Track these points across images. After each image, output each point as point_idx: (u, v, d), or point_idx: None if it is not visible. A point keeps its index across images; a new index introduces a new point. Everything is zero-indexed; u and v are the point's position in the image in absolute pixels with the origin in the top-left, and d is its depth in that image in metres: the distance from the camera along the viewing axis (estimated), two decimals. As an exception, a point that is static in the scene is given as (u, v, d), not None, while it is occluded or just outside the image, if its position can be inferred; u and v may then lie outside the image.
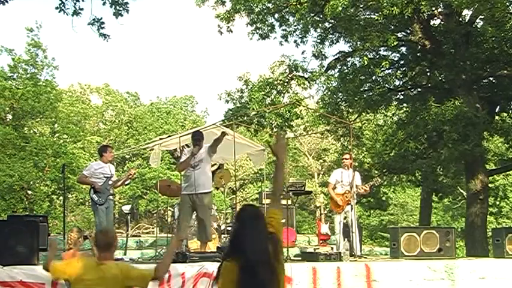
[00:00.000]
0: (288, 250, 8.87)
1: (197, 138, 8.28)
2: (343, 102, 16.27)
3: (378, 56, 15.74)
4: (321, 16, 14.85)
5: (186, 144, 8.77)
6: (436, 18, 15.47)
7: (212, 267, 6.74)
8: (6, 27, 57.46)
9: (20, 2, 19.39)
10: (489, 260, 9.11)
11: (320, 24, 15.57)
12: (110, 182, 8.49)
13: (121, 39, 64.40)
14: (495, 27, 13.49)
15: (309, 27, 15.47)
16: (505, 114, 16.63)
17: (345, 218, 9.05)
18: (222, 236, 9.23)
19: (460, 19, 15.21)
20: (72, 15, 8.48)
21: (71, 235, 7.00)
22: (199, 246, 8.13)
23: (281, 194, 3.73)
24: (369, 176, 14.75)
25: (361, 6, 14.29)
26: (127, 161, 35.21)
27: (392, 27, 15.06)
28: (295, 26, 15.88)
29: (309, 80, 15.82)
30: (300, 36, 15.92)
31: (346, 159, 9.36)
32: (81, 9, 8.51)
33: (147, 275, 4.09)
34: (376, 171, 17.08)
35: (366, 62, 14.21)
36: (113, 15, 8.78)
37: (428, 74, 16.41)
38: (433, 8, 14.21)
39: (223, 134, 8.46)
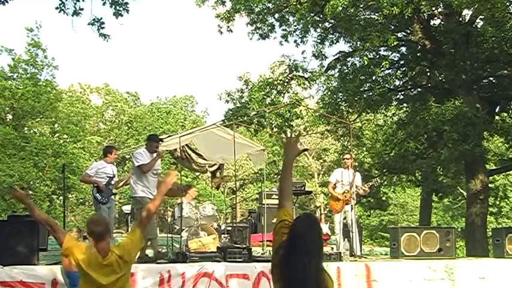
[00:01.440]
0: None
1: (158, 141, 8.18)
2: (343, 102, 16.27)
3: (378, 56, 15.74)
4: (321, 16, 14.85)
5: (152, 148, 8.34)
6: (436, 18, 15.48)
7: (212, 267, 6.74)
8: (6, 27, 57.53)
9: (20, 2, 19.42)
10: (489, 260, 9.11)
11: (320, 24, 15.58)
12: (112, 182, 8.54)
13: (121, 39, 64.46)
14: (495, 27, 13.49)
15: (309, 27, 15.47)
16: (505, 114, 16.63)
17: (345, 218, 9.05)
18: (222, 236, 9.23)
19: (460, 19, 15.21)
20: (72, 15, 8.49)
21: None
22: (153, 245, 8.05)
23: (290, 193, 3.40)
24: (369, 176, 14.75)
25: (361, 6, 14.29)
26: (127, 161, 35.21)
27: (392, 27, 15.05)
28: (295, 26, 15.89)
29: (309, 80, 15.82)
30: (300, 36, 15.94)
31: (346, 159, 9.37)
32: (81, 9, 8.52)
33: (134, 231, 4.20)
34: (376, 171, 17.08)
35: (366, 62, 14.22)
36: (113, 15, 8.78)
37: (428, 74, 16.41)
38: (433, 8, 14.21)
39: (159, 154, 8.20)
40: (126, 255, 4.00)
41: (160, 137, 8.77)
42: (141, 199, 7.86)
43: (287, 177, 3.28)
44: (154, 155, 8.04)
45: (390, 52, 16.56)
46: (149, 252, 7.90)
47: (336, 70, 16.56)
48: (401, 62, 17.13)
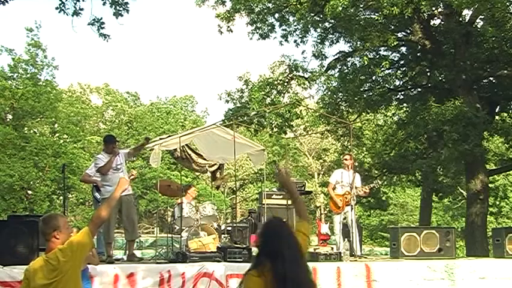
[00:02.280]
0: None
1: (113, 141, 8.14)
2: (343, 102, 16.28)
3: (378, 56, 15.76)
4: (321, 16, 14.85)
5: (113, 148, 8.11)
6: (436, 18, 15.48)
7: (212, 267, 6.74)
8: (6, 27, 57.53)
9: (20, 2, 19.40)
10: (489, 260, 9.10)
11: (320, 24, 15.58)
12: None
13: (121, 39, 64.46)
14: (495, 27, 13.49)
15: (309, 27, 15.48)
16: (505, 114, 16.64)
17: (345, 218, 9.04)
18: (222, 236, 9.22)
19: (460, 19, 15.21)
20: (72, 15, 8.48)
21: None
22: (129, 246, 8.01)
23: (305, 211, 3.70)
24: (369, 176, 14.76)
25: (361, 6, 14.29)
26: (127, 161, 35.20)
27: (393, 27, 15.06)
28: (295, 26, 15.90)
29: (309, 80, 15.82)
30: (300, 36, 15.95)
31: (346, 160, 9.34)
32: (81, 9, 8.51)
33: (84, 229, 3.91)
34: (376, 171, 17.09)
35: (366, 62, 14.22)
36: (113, 15, 8.77)
37: (428, 74, 16.42)
38: (433, 8, 14.21)
39: (147, 139, 8.28)
40: (68, 252, 3.74)
41: (160, 137, 8.77)
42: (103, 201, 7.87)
43: (297, 202, 3.70)
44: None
45: (390, 52, 16.57)
46: (138, 252, 7.90)
47: (336, 70, 16.57)
48: (401, 62, 17.14)
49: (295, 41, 16.10)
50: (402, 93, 17.52)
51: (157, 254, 8.71)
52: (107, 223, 7.76)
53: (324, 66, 16.23)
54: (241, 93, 16.32)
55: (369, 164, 18.26)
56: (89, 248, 3.95)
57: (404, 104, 17.71)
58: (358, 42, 14.68)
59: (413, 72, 16.87)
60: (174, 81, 68.11)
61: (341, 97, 16.08)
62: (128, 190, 7.84)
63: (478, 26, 15.17)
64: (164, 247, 9.03)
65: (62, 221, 3.99)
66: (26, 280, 3.86)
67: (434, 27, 15.77)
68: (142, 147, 8.51)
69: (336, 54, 16.59)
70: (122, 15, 8.76)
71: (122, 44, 68.14)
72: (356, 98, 15.65)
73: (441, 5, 14.40)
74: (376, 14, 13.86)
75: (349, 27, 14.02)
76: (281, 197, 11.72)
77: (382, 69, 15.48)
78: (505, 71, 14.63)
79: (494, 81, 16.20)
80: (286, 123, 15.65)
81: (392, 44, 13.86)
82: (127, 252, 8.09)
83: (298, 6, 14.59)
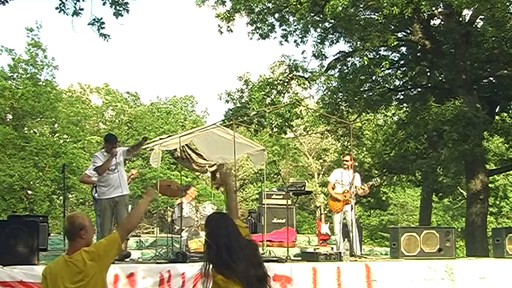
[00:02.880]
0: (288, 250, 8.88)
1: (114, 141, 8.05)
2: (343, 102, 16.28)
3: (378, 56, 15.76)
4: (321, 16, 14.85)
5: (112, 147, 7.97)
6: (436, 18, 15.48)
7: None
8: (6, 27, 57.51)
9: (20, 2, 19.39)
10: (489, 260, 9.10)
11: (320, 24, 15.58)
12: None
13: (121, 39, 64.44)
14: (495, 27, 13.50)
15: (309, 27, 15.48)
16: (505, 114, 16.64)
17: (345, 218, 9.04)
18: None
19: (460, 19, 15.21)
20: (72, 15, 8.49)
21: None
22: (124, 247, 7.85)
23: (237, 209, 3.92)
24: (369, 176, 14.76)
25: (361, 6, 14.29)
26: (127, 161, 35.22)
27: (393, 27, 15.06)
28: (295, 25, 15.90)
29: (309, 80, 15.83)
30: (300, 36, 15.95)
31: (346, 160, 9.34)
32: (81, 9, 8.52)
33: (114, 235, 3.81)
34: (376, 171, 17.09)
35: (366, 62, 14.22)
36: (113, 15, 8.78)
37: (428, 74, 16.42)
38: (433, 8, 14.21)
39: (145, 138, 8.16)
40: (95, 256, 3.62)
41: (160, 137, 8.74)
42: (100, 200, 7.89)
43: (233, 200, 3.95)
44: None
45: (390, 52, 16.57)
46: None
47: (336, 70, 16.58)
48: (401, 62, 17.14)
49: (295, 41, 16.12)
50: (402, 93, 17.52)
51: (157, 254, 8.70)
52: (103, 224, 7.75)
53: (324, 66, 16.25)
54: (241, 93, 16.33)
55: (369, 164, 18.26)
56: (115, 254, 3.78)
57: (404, 104, 17.71)
58: (358, 42, 14.68)
59: (413, 72, 16.87)
60: (174, 81, 68.06)
61: (341, 97, 16.08)
62: (122, 191, 7.84)
63: (478, 26, 15.17)
64: (164, 247, 9.02)
65: (88, 220, 3.84)
66: (45, 282, 3.69)
67: (434, 27, 15.77)
68: (140, 147, 8.45)
69: (336, 54, 16.62)
70: (122, 15, 8.78)
71: (122, 44, 68.14)
72: (356, 98, 15.65)
73: (441, 5, 14.40)
74: (376, 14, 13.86)
75: (349, 27, 14.02)
76: (281, 197, 11.74)
77: (382, 69, 15.48)
78: (505, 71, 14.63)
79: (494, 81, 16.21)
80: (286, 123, 15.65)
81: (392, 44, 13.85)
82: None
83: (298, 6, 14.59)
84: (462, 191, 21.18)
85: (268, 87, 15.71)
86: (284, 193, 11.46)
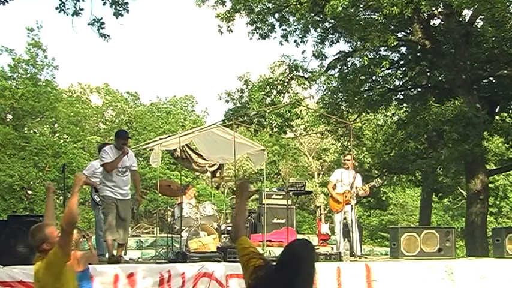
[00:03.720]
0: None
1: (126, 137, 7.70)
2: (343, 102, 16.28)
3: (378, 56, 15.76)
4: (321, 16, 14.85)
5: (116, 145, 7.64)
6: (436, 18, 15.49)
7: (212, 267, 6.74)
8: (6, 27, 57.49)
9: (20, 2, 19.39)
10: (489, 260, 9.11)
11: (320, 24, 15.59)
12: None
13: (121, 39, 64.40)
14: (495, 27, 13.50)
15: (309, 27, 15.49)
16: (505, 114, 16.63)
17: (345, 218, 9.04)
18: (222, 236, 9.22)
19: (460, 19, 15.21)
20: (72, 15, 8.48)
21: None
22: (117, 250, 7.46)
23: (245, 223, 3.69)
24: (369, 176, 14.75)
25: (361, 6, 14.30)
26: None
27: (393, 27, 15.06)
28: (295, 25, 15.91)
29: (309, 80, 15.83)
30: (300, 36, 15.95)
31: (347, 160, 9.34)
32: (81, 9, 8.51)
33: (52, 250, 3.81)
34: (376, 171, 17.09)
35: (366, 62, 14.23)
36: (113, 15, 8.77)
37: (428, 74, 16.42)
38: (433, 8, 14.22)
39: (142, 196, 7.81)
40: (47, 266, 3.72)
41: (160, 137, 8.70)
42: (104, 198, 7.45)
43: (241, 214, 3.55)
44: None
45: (390, 52, 16.57)
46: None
47: (336, 70, 16.58)
48: (401, 62, 17.14)
49: (295, 41, 16.12)
50: (402, 93, 17.52)
51: (157, 254, 8.70)
52: (126, 226, 7.56)
53: (324, 66, 16.25)
54: (241, 93, 16.33)
55: (369, 164, 18.26)
56: (62, 263, 3.75)
57: (404, 104, 17.71)
58: (358, 42, 14.68)
59: (413, 72, 16.87)
60: (174, 81, 68.01)
61: (341, 97, 16.08)
62: (126, 195, 7.61)
63: (478, 26, 15.17)
64: (164, 247, 9.03)
65: (49, 231, 3.91)
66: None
67: (434, 27, 15.77)
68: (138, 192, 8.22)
69: (336, 54, 16.63)
70: (122, 15, 8.76)
71: (122, 44, 68.08)
72: (356, 98, 15.65)
73: (441, 5, 14.40)
74: (376, 14, 13.87)
75: (349, 27, 14.02)
76: (281, 197, 11.74)
77: (382, 69, 15.48)
78: (505, 71, 14.63)
79: (494, 81, 16.21)
80: (286, 123, 15.65)
81: (392, 44, 13.85)
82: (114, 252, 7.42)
83: (298, 6, 14.60)
84: (462, 191, 21.19)
85: (268, 87, 15.71)
86: (284, 193, 11.47)
